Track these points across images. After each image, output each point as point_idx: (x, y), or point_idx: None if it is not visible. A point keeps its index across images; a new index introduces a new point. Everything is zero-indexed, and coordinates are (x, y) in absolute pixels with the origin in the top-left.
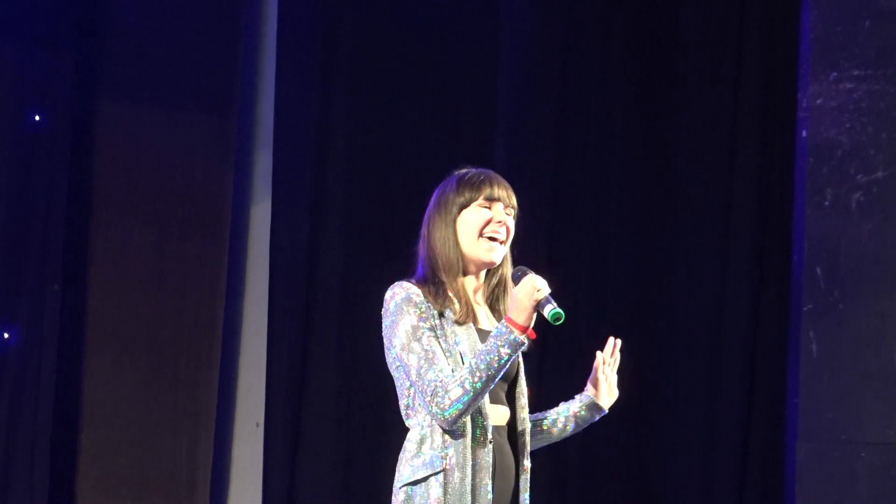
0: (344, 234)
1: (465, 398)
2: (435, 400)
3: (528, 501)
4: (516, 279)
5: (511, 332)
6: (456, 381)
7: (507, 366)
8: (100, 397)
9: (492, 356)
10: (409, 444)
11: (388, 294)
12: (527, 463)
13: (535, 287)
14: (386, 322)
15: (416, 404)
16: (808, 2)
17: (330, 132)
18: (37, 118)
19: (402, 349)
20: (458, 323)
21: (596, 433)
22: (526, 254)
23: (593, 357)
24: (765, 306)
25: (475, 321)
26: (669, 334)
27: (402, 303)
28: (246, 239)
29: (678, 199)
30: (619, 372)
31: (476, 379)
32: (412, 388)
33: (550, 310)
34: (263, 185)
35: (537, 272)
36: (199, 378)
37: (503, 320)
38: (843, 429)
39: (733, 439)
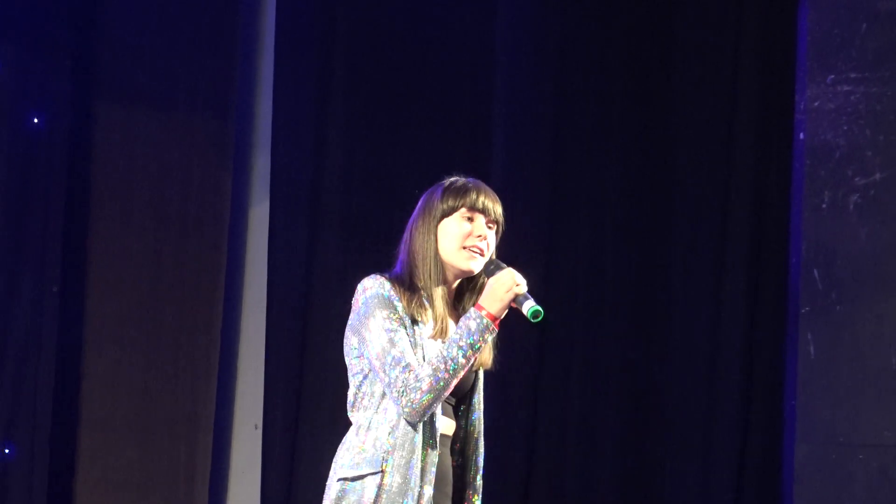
0: (342, 236)
1: (437, 386)
2: (406, 392)
3: None
4: (490, 272)
5: (482, 319)
6: (426, 372)
7: (477, 353)
8: (98, 399)
9: (462, 343)
10: (353, 437)
11: (361, 285)
12: (474, 476)
13: (515, 281)
14: (356, 312)
15: (367, 398)
16: (805, 4)
17: (328, 134)
18: (35, 120)
19: (372, 343)
20: (432, 338)
21: (594, 436)
22: (524, 255)
23: (591, 359)
24: (762, 308)
25: (446, 336)
26: (667, 336)
27: (376, 297)
28: (244, 241)
29: (675, 201)
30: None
31: (446, 368)
32: (366, 380)
33: (530, 307)
34: (261, 188)
35: (535, 274)
36: (197, 380)
37: (472, 307)
38: (842, 431)
39: (731, 441)
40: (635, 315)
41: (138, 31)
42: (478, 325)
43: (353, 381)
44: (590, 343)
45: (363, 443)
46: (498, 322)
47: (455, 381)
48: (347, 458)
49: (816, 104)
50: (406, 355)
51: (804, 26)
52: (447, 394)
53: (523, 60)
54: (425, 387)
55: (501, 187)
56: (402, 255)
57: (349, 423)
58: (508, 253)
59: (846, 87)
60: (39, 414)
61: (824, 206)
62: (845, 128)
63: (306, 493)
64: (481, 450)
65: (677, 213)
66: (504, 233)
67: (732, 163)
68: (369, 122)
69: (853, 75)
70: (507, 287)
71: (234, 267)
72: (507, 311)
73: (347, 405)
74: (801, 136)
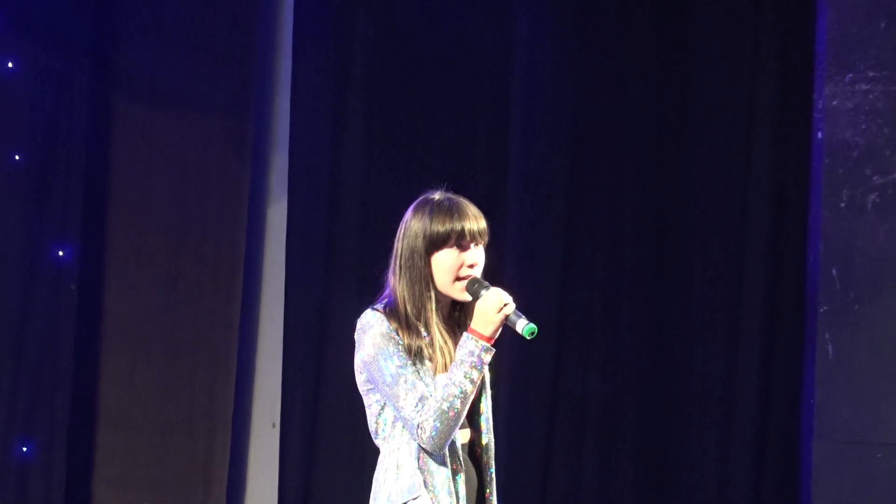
0: (360, 235)
1: (451, 417)
2: (423, 428)
3: None
4: (474, 291)
5: (477, 344)
6: (438, 406)
7: (480, 377)
8: (116, 398)
9: (465, 370)
10: (385, 467)
11: (360, 323)
12: (491, 478)
13: (502, 301)
14: (362, 350)
15: (389, 426)
16: (824, 3)
17: (346, 132)
18: (53, 118)
19: (384, 382)
20: (434, 368)
21: (613, 435)
22: (541, 259)
23: (609, 358)
24: (781, 308)
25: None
26: (686, 335)
27: (378, 337)
28: (262, 240)
29: (694, 201)
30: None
31: (455, 397)
32: (384, 410)
33: (524, 325)
34: (279, 186)
35: (553, 272)
36: (215, 378)
37: (466, 333)
38: (860, 430)
39: (750, 440)
40: (654, 315)
41: (156, 30)
42: (475, 350)
43: (370, 412)
44: (608, 342)
45: (396, 472)
46: (493, 341)
47: (465, 409)
48: (384, 490)
49: (835, 103)
50: (417, 390)
51: (822, 25)
52: (461, 420)
53: (541, 60)
54: (441, 421)
55: (519, 189)
56: (393, 282)
57: (366, 424)
58: (526, 256)
59: (864, 86)
60: (58, 413)
61: (843, 204)
62: (863, 126)
63: (324, 491)
64: (492, 446)
65: (696, 213)
66: (521, 236)
67: (751, 162)
68: (387, 121)
69: (871, 74)
70: (496, 308)
71: (252, 265)
72: (501, 329)
73: (370, 433)
74: (820, 134)
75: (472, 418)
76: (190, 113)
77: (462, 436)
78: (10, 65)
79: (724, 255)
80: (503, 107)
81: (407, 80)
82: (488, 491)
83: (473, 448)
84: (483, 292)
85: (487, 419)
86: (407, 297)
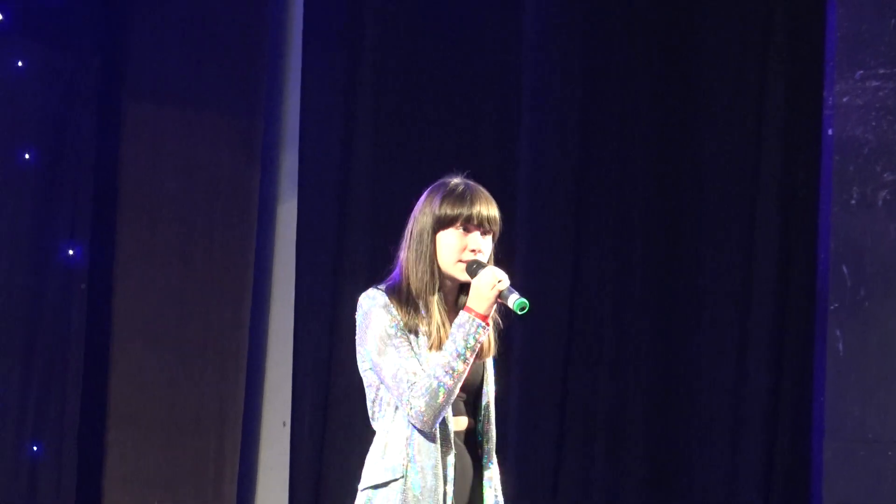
0: (369, 233)
1: (441, 394)
2: (413, 404)
3: (491, 500)
4: (472, 272)
5: (472, 320)
6: (429, 382)
7: (474, 354)
8: (126, 396)
9: (458, 347)
10: (374, 447)
11: (361, 299)
12: (491, 469)
13: (496, 278)
14: (360, 327)
15: (383, 408)
16: (833, 0)
17: (356, 131)
18: (63, 119)
19: (378, 354)
20: (430, 347)
21: (622, 434)
22: (551, 251)
23: (618, 356)
24: (791, 305)
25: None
26: (696, 332)
27: (375, 310)
28: (272, 238)
29: (704, 197)
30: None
31: (447, 375)
32: (379, 392)
33: (515, 300)
34: (289, 184)
35: (563, 273)
36: (225, 377)
37: (463, 311)
38: (870, 428)
39: (760, 438)
40: (663, 312)
41: (166, 30)
42: (469, 326)
43: (368, 393)
44: (617, 340)
45: (384, 452)
46: (488, 319)
47: (458, 387)
48: (371, 466)
49: (845, 100)
50: (409, 366)
51: (833, 22)
52: (453, 399)
53: (551, 56)
54: (430, 396)
55: (528, 187)
56: (400, 261)
57: None
58: (536, 256)
59: (875, 83)
60: (68, 411)
61: (853, 202)
62: (874, 123)
63: (335, 490)
64: (493, 436)
65: (706, 210)
66: (531, 235)
67: (761, 159)
68: (397, 119)
69: (882, 71)
70: (490, 285)
71: (262, 264)
72: (495, 306)
73: (369, 416)
74: (830, 131)
75: (472, 407)
76: (199, 113)
77: (458, 422)
78: (19, 63)
79: (734, 253)
80: (512, 105)
81: (416, 79)
82: (486, 482)
83: (471, 437)
84: (480, 272)
85: (488, 409)
86: (411, 272)
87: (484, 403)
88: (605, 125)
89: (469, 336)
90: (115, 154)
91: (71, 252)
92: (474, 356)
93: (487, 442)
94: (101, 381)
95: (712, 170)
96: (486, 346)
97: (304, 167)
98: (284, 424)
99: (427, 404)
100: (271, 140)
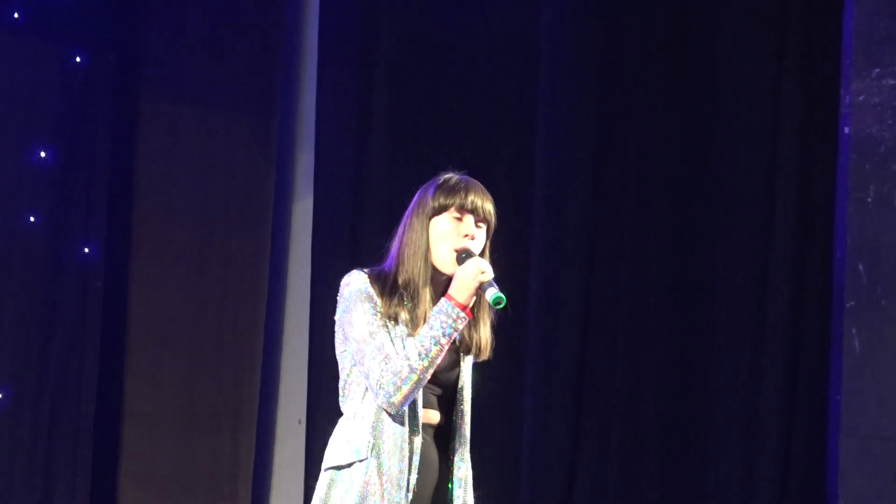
0: (385, 232)
1: (412, 377)
2: (382, 384)
3: (460, 499)
4: (461, 260)
5: (452, 308)
6: (401, 364)
7: (449, 342)
8: (141, 395)
9: (434, 332)
10: (339, 429)
11: (342, 281)
12: (462, 468)
13: (480, 269)
14: (339, 307)
15: (353, 389)
16: None
17: (371, 129)
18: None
19: (353, 337)
20: (410, 334)
21: (638, 430)
22: (567, 251)
23: (634, 355)
24: (807, 303)
25: None
26: (711, 331)
27: (355, 293)
28: (287, 237)
29: (720, 196)
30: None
31: (420, 358)
32: (351, 374)
33: (493, 293)
34: (305, 183)
35: (579, 267)
36: (241, 375)
37: (444, 298)
38: (887, 426)
39: (775, 436)
40: (679, 311)
41: (183, 28)
42: (448, 314)
43: (342, 374)
44: (633, 339)
45: (350, 432)
46: (468, 310)
47: (430, 371)
48: (336, 448)
49: (861, 98)
50: (384, 348)
51: (849, 20)
52: (423, 383)
53: (567, 57)
54: (401, 378)
55: (545, 182)
56: (393, 250)
57: None
58: (551, 251)
59: (891, 81)
60: (83, 410)
61: (869, 200)
62: (890, 122)
63: None
64: (467, 436)
65: (721, 208)
66: (547, 229)
67: (777, 157)
68: (412, 118)
69: None
70: (472, 275)
71: (278, 262)
72: (475, 298)
73: (339, 398)
74: (846, 130)
75: (446, 403)
76: (215, 111)
77: (429, 415)
78: (35, 62)
79: (750, 250)
80: (528, 102)
81: (431, 78)
82: (457, 482)
83: (442, 433)
84: (467, 261)
85: (463, 409)
86: (403, 263)
87: (459, 402)
88: (622, 125)
89: (446, 323)
90: (131, 152)
91: (87, 250)
92: (448, 344)
93: (460, 440)
94: (117, 379)
95: (728, 168)
96: (482, 345)
97: (320, 166)
98: (300, 422)
99: (396, 387)
100: (287, 139)
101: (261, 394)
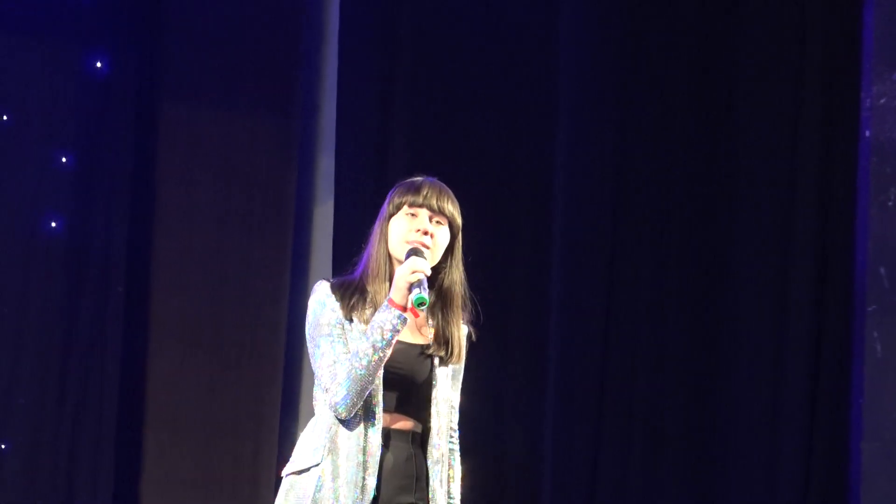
0: None
1: (353, 379)
2: (328, 388)
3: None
4: (406, 258)
5: (389, 309)
6: (343, 367)
7: (389, 345)
8: (163, 399)
9: (374, 334)
10: (302, 435)
11: (311, 290)
12: (448, 471)
13: (411, 269)
14: (306, 316)
15: (318, 396)
16: (870, 1)
17: (392, 133)
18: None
19: (310, 342)
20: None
21: (660, 437)
22: (587, 256)
23: (655, 359)
24: (828, 307)
25: None
26: (732, 335)
27: (314, 303)
28: (309, 240)
29: (741, 200)
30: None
31: (360, 363)
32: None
33: (416, 294)
34: (326, 187)
35: (599, 275)
36: (262, 380)
37: (385, 301)
38: None
39: (798, 440)
40: (700, 314)
41: (203, 30)
42: (386, 315)
43: (315, 381)
44: (654, 343)
45: (309, 437)
46: (414, 308)
47: (375, 374)
48: (296, 453)
49: (882, 101)
50: (332, 354)
51: (869, 23)
52: (369, 386)
53: (587, 61)
54: (342, 382)
55: (565, 189)
56: (363, 256)
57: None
58: (572, 258)
59: None
60: (105, 414)
61: (890, 203)
62: None
63: None
64: (454, 439)
65: (742, 211)
66: (567, 236)
67: (798, 160)
68: (433, 121)
69: None
70: (404, 276)
71: (299, 266)
72: (409, 297)
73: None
74: (867, 133)
75: (415, 408)
76: (236, 114)
77: (393, 419)
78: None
79: (771, 254)
80: (549, 107)
81: (452, 81)
82: (438, 483)
83: (418, 437)
84: (406, 261)
85: (439, 411)
86: (366, 265)
87: (432, 405)
88: (642, 128)
89: (384, 324)
90: (152, 156)
91: (108, 256)
92: (390, 346)
93: (440, 444)
94: (139, 383)
95: (749, 171)
96: (453, 348)
97: (341, 169)
98: None
99: (342, 390)
100: (308, 142)
101: (282, 398)
